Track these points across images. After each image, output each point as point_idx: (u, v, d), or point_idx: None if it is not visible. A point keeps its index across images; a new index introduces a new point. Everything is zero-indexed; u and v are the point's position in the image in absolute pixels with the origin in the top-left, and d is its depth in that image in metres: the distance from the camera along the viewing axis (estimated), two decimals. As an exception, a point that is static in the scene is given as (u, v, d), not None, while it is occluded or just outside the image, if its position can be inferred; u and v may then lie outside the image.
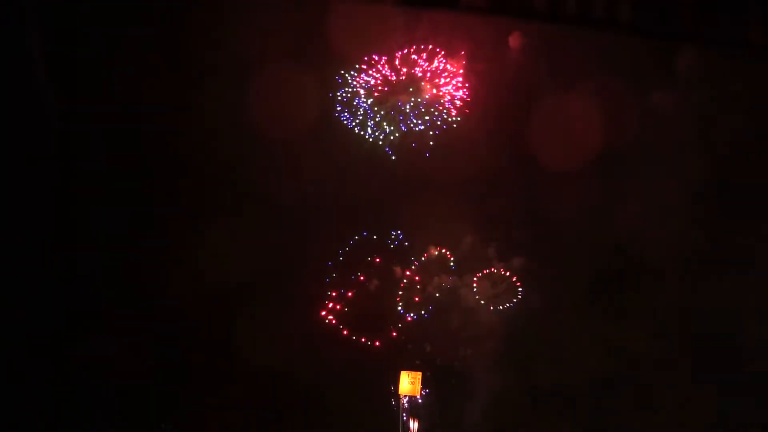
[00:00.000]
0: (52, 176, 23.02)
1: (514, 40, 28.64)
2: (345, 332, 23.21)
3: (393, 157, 28.98)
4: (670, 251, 23.78)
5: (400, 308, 24.17)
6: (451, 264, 25.26)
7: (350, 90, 30.24)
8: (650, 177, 24.19)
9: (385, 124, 30.03)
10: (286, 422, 22.44)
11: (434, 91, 30.39)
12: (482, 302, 23.86)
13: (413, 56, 30.19)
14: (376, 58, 30.18)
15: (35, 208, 22.34)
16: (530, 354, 23.30)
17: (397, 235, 26.70)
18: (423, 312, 24.09)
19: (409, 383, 20.33)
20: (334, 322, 23.36)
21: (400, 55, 30.20)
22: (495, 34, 28.50)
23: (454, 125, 30.01)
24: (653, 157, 24.43)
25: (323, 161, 26.06)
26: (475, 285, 24.05)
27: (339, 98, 30.10)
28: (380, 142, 29.80)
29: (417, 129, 30.07)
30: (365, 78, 30.40)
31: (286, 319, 22.91)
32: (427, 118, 30.09)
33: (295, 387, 22.59)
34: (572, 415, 22.54)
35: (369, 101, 30.22)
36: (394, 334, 23.51)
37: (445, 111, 30.20)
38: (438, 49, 30.53)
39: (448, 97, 30.39)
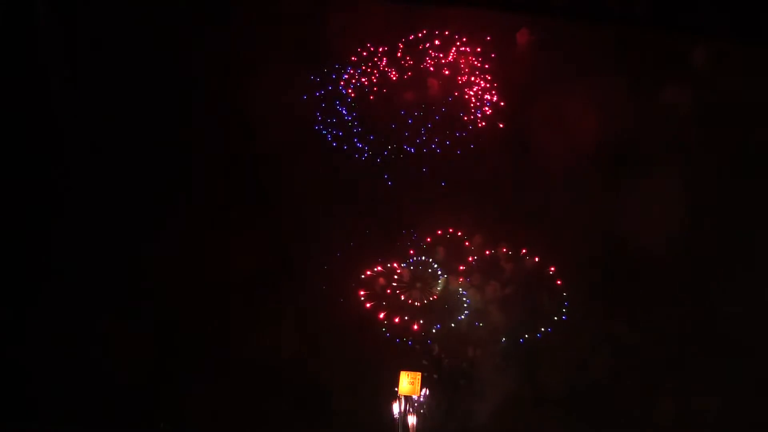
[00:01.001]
0: (54, 171, 23.11)
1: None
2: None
3: (390, 183, 23.44)
4: (684, 252, 23.04)
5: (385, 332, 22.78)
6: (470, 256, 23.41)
7: (333, 92, 23.36)
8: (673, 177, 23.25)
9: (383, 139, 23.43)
10: (285, 422, 21.69)
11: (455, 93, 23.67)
12: (491, 305, 22.95)
13: (422, 45, 23.94)
14: (371, 47, 23.74)
15: (35, 203, 22.51)
16: (538, 355, 22.72)
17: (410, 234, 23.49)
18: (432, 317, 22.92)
19: (408, 383, 19.89)
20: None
21: (403, 44, 23.85)
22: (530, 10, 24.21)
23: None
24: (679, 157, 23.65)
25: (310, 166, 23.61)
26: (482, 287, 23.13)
27: (319, 103, 23.43)
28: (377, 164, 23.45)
29: (429, 149, 23.43)
30: (355, 75, 23.48)
31: (287, 319, 22.26)
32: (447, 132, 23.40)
33: (295, 387, 21.94)
34: (578, 417, 21.99)
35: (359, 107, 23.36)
36: (416, 327, 22.60)
37: (470, 123, 23.45)
38: (456, 36, 23.83)
39: (475, 101, 23.56)
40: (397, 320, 22.50)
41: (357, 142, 23.16)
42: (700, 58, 23.95)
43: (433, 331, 22.46)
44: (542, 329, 22.71)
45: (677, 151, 23.61)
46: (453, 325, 22.48)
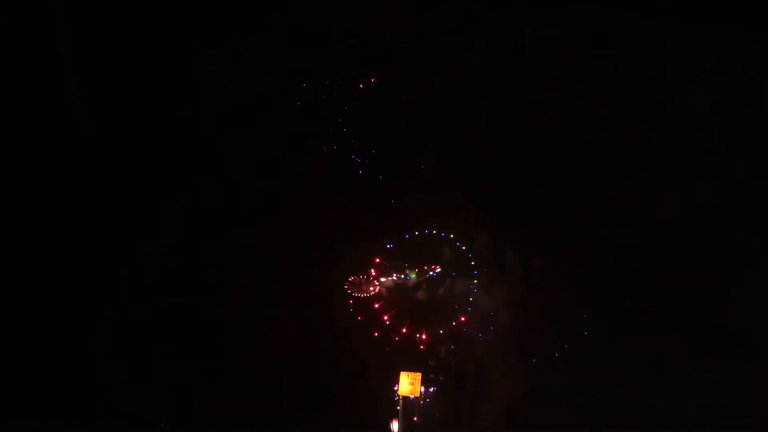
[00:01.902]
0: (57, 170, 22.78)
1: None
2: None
3: (392, 200, 22.60)
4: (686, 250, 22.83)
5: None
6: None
7: (327, 96, 22.19)
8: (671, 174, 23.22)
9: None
10: (285, 421, 21.70)
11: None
12: (496, 306, 22.77)
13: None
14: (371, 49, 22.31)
15: (37, 202, 22.21)
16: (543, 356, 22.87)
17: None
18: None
19: (408, 384, 20.16)
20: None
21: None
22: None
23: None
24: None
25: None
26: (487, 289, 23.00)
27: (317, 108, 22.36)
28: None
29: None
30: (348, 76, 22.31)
31: (287, 319, 22.27)
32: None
33: (295, 386, 22.04)
34: (579, 418, 22.02)
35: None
36: (424, 337, 22.46)
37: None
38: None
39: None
40: (397, 338, 22.35)
41: (355, 157, 22.48)
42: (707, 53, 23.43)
43: (446, 350, 22.40)
44: (559, 345, 22.62)
45: (684, 151, 23.31)
46: (480, 337, 22.23)
